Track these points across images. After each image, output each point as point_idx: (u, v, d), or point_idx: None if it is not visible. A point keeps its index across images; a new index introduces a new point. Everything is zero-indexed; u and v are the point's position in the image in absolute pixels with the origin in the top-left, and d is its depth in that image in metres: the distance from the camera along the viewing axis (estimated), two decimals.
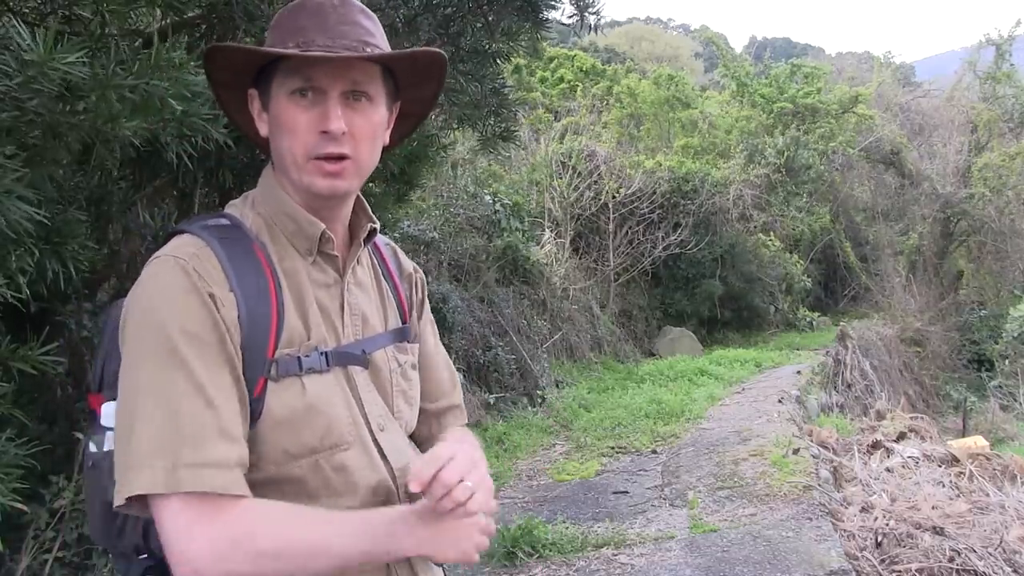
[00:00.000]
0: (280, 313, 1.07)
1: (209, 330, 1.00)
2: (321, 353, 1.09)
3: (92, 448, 1.15)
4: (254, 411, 1.04)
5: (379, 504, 1.12)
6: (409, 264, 1.35)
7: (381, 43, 1.13)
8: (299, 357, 1.07)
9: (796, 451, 5.47)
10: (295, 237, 1.13)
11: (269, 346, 1.05)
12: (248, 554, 0.95)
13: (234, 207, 1.17)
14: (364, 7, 1.14)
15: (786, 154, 16.46)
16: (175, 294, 1.00)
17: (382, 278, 1.27)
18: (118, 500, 0.96)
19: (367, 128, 1.11)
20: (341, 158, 1.09)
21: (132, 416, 0.97)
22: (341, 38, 1.07)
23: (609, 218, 12.71)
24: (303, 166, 1.09)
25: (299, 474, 1.07)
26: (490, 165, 10.71)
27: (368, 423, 1.14)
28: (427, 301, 1.38)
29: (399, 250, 1.36)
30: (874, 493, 4.75)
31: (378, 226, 1.22)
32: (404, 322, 1.28)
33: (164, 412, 0.96)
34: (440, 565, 1.24)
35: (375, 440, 1.15)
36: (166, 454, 0.95)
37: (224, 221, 1.12)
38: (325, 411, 1.08)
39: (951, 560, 3.61)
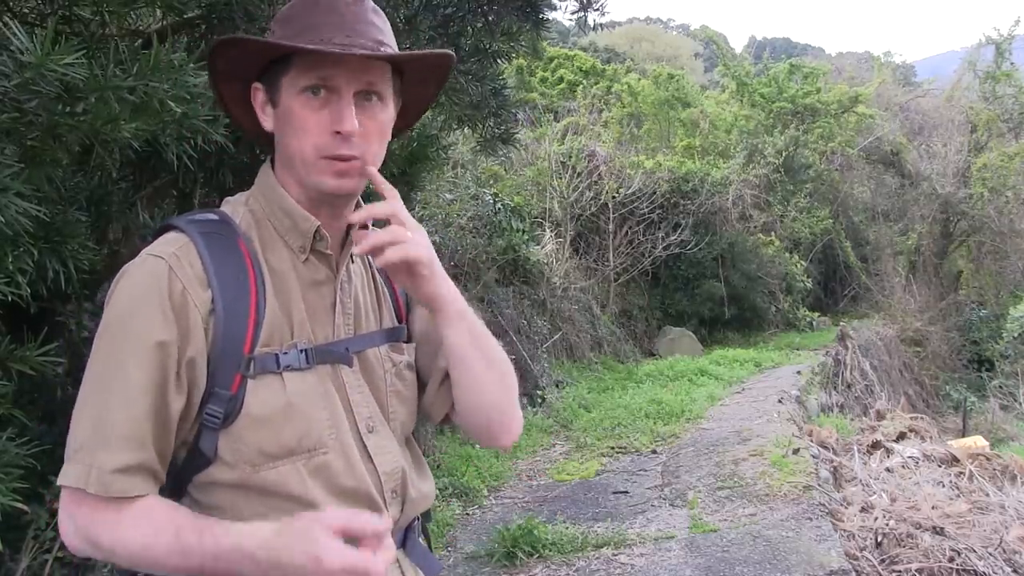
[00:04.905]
0: (259, 310, 1.07)
1: (157, 336, 1.01)
2: (301, 350, 1.08)
3: None
4: (230, 409, 1.04)
5: (359, 510, 1.09)
6: None
7: (391, 42, 1.13)
8: (277, 354, 1.07)
9: (796, 451, 5.47)
10: (288, 234, 1.13)
11: (246, 343, 1.05)
12: (110, 555, 1.02)
13: (228, 203, 1.17)
14: (375, 5, 1.13)
15: (785, 154, 16.45)
16: (135, 298, 1.03)
17: (377, 275, 1.26)
18: (58, 482, 1.03)
19: (376, 128, 1.12)
20: (351, 158, 1.09)
21: (77, 408, 1.03)
22: (358, 37, 1.07)
23: (609, 218, 12.71)
24: (313, 164, 1.09)
25: (273, 478, 1.05)
26: (490, 166, 10.71)
27: (356, 424, 1.13)
28: None
29: None
30: (874, 493, 4.75)
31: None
32: (400, 321, 1.26)
33: (95, 411, 1.01)
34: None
35: (362, 442, 1.13)
36: (87, 452, 1.00)
37: (212, 216, 1.12)
38: (305, 411, 1.07)
39: (951, 560, 3.61)
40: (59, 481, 1.02)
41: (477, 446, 6.41)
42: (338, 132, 1.07)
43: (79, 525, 1.02)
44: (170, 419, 1.03)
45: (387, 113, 1.14)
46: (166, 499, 1.04)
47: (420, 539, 1.26)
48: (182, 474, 1.07)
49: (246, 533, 0.97)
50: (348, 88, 1.07)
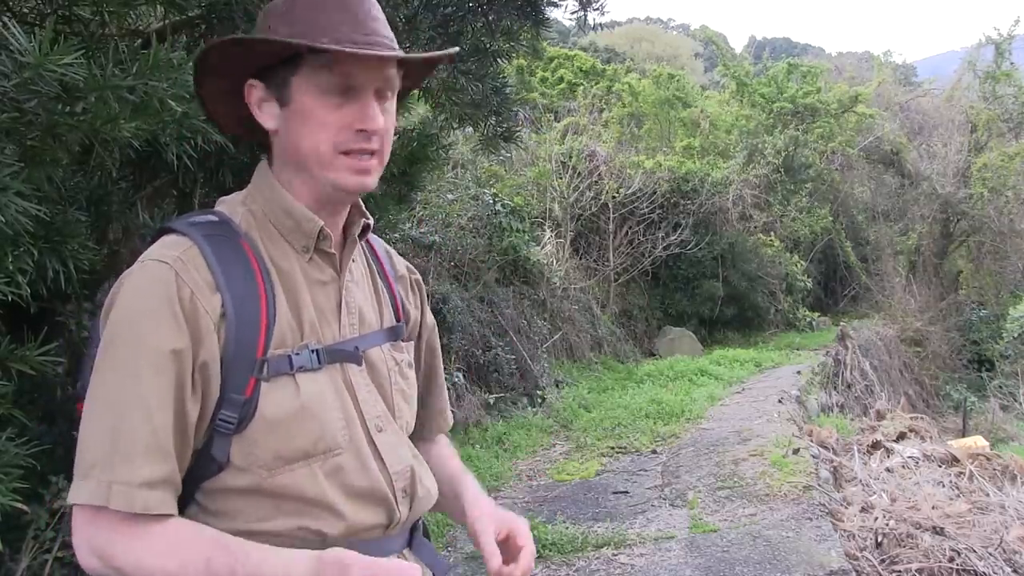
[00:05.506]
0: (271, 312, 1.05)
1: (171, 344, 0.99)
2: (312, 351, 1.07)
3: None
4: (244, 414, 1.02)
5: (373, 510, 1.11)
6: (403, 266, 1.34)
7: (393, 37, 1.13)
8: (290, 355, 1.05)
9: (796, 451, 5.47)
10: (291, 234, 1.11)
11: (259, 346, 1.04)
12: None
13: (225, 203, 1.14)
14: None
15: (785, 154, 16.45)
16: (145, 305, 1.00)
17: (377, 276, 1.26)
18: (69, 501, 0.99)
19: (391, 124, 1.12)
20: (371, 154, 1.09)
21: (87, 423, 0.99)
22: (373, 35, 1.06)
23: (609, 218, 12.71)
24: (330, 162, 1.07)
25: (288, 481, 1.04)
26: (491, 166, 10.71)
27: (365, 424, 1.12)
28: (427, 303, 1.37)
29: (392, 251, 1.35)
30: (874, 493, 4.75)
31: (371, 221, 1.20)
32: (398, 320, 1.26)
33: (110, 424, 0.97)
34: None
35: (372, 442, 1.12)
36: (104, 468, 0.96)
37: (213, 218, 1.10)
38: (318, 413, 1.06)
39: (951, 560, 3.61)
40: (71, 500, 0.98)
41: (478, 447, 6.42)
42: (362, 129, 1.06)
43: (94, 544, 0.98)
44: (188, 428, 1.01)
45: (395, 108, 1.14)
46: (189, 522, 1.01)
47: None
48: (189, 481, 1.04)
49: (279, 567, 0.95)
50: (370, 86, 1.07)
